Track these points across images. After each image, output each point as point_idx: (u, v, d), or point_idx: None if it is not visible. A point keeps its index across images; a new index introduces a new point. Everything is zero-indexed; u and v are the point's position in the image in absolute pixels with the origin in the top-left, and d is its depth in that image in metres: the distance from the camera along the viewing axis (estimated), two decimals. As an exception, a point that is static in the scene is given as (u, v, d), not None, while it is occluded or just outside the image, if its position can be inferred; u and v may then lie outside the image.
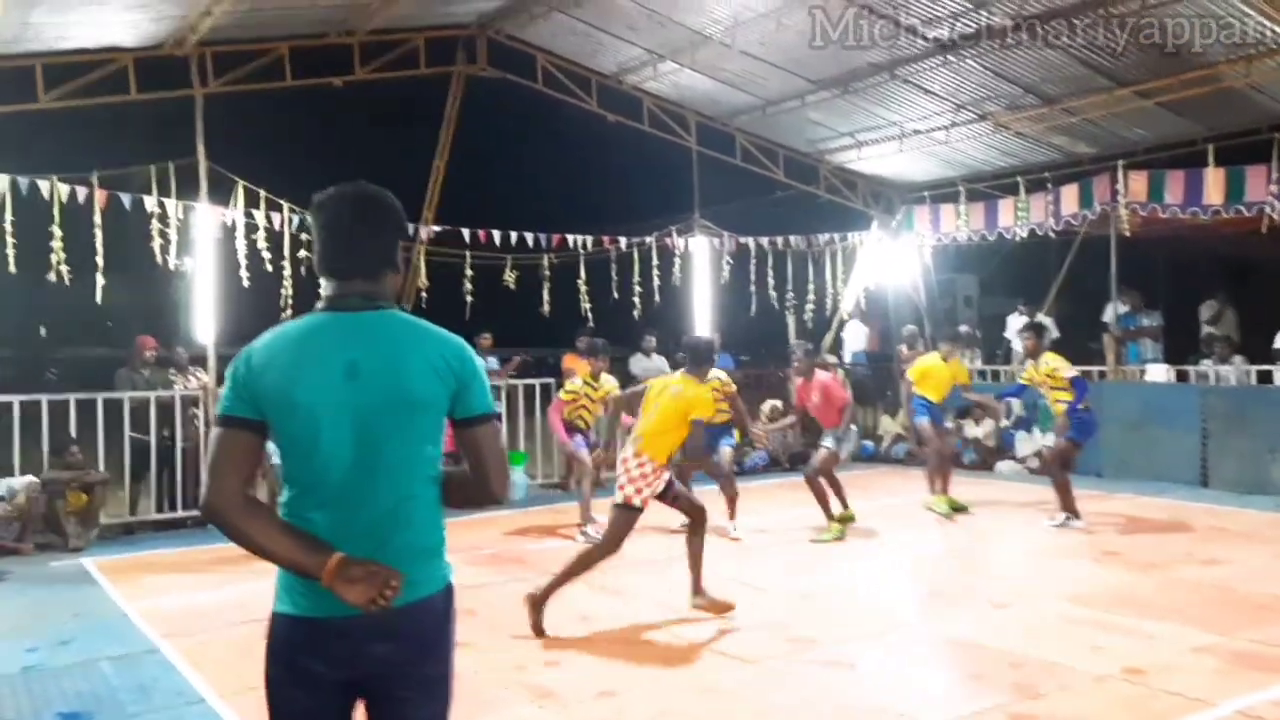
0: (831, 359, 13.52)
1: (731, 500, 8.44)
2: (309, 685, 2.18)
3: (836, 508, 8.47)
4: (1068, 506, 8.62)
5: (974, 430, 12.51)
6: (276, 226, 10.34)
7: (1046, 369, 8.76)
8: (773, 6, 10.22)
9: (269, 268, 10.29)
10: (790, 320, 14.39)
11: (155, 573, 7.61)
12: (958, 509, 9.38)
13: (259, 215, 10.29)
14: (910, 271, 15.07)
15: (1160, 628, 5.59)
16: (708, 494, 7.15)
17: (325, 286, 2.26)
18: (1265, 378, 11.17)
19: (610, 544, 5.84)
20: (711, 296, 13.92)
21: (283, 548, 2.12)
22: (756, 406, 11.80)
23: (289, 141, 14.99)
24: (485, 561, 7.62)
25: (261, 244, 10.24)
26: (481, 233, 11.57)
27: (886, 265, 14.96)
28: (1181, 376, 11.76)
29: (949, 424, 10.34)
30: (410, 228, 11.31)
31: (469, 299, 11.43)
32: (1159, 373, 11.84)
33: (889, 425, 13.95)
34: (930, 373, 9.61)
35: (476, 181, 17.26)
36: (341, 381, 2.15)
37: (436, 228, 11.80)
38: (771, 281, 13.98)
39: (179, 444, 9.46)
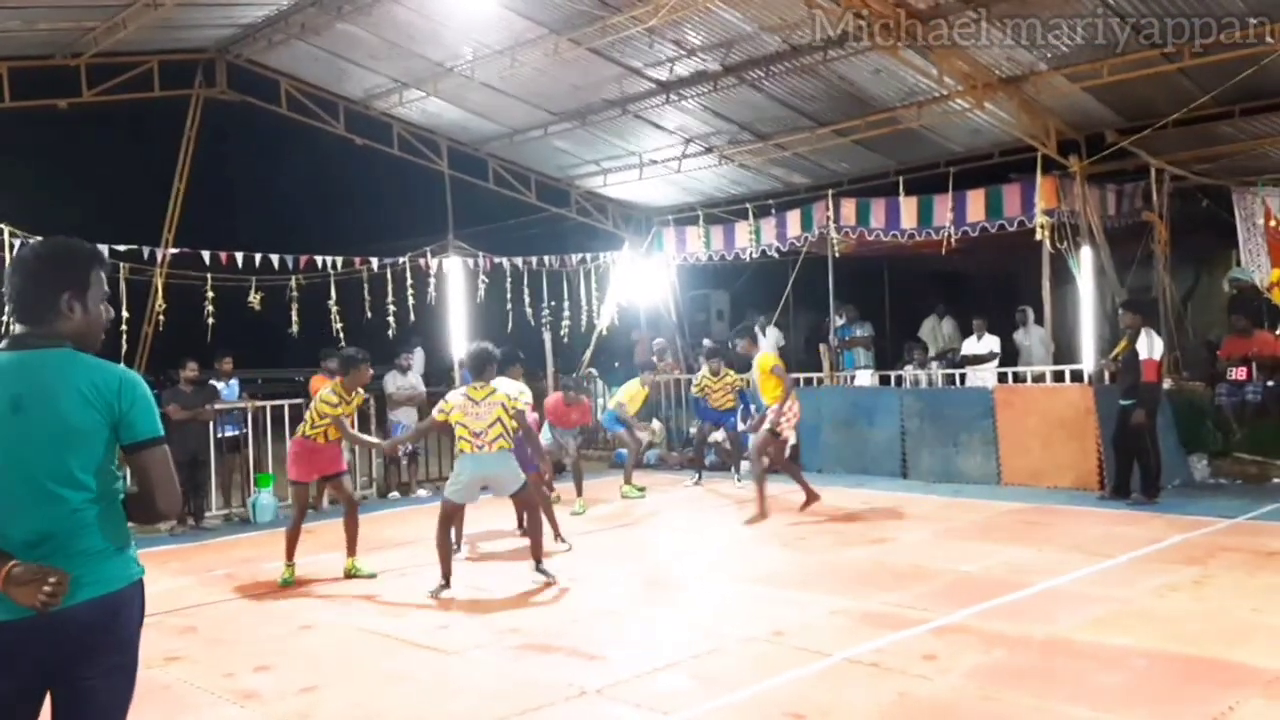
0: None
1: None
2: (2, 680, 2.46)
3: None
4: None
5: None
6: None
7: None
8: (507, 44, 10.87)
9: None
10: (547, 336, 15.03)
11: None
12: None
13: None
14: (661, 288, 16.13)
15: (814, 597, 6.52)
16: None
17: (14, 327, 2.59)
18: (952, 379, 12.78)
19: None
20: (468, 315, 14.38)
21: None
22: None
23: (16, 165, 14.37)
24: (216, 581, 7.78)
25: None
26: (224, 255, 11.52)
27: (639, 283, 15.93)
28: (885, 380, 13.25)
29: None
30: (145, 251, 11.31)
31: (210, 321, 11.38)
32: (865, 377, 13.31)
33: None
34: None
35: (220, 204, 17.05)
36: (8, 413, 2.48)
37: (174, 250, 11.66)
38: (528, 299, 14.58)
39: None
